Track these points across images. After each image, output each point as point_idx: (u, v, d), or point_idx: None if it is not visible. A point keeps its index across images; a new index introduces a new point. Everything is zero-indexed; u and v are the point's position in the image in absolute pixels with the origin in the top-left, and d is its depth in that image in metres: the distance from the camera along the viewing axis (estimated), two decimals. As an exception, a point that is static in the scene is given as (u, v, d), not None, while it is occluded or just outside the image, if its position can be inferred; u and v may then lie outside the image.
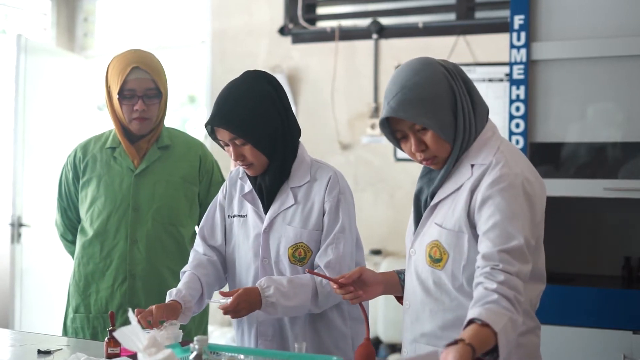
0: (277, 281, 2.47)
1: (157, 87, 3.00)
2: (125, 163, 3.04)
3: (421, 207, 2.19)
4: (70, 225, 3.18)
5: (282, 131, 2.54)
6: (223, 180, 3.16)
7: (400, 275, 2.36)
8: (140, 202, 3.01)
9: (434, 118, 2.06)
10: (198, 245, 2.72)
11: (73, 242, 3.17)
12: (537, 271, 2.09)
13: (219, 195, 2.73)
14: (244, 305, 2.44)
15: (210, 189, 3.12)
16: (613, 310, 3.31)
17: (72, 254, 3.20)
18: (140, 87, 2.97)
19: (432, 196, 2.15)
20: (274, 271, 2.57)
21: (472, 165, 2.08)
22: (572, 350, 3.34)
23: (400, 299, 2.36)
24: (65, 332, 3.11)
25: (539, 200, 2.05)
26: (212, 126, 2.51)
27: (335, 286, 2.24)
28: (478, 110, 2.12)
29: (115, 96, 2.97)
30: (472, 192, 2.04)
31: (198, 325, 3.09)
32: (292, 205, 2.56)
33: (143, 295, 2.99)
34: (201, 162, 3.11)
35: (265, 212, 2.59)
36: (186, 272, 2.66)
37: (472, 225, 2.05)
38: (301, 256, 2.54)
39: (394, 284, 2.35)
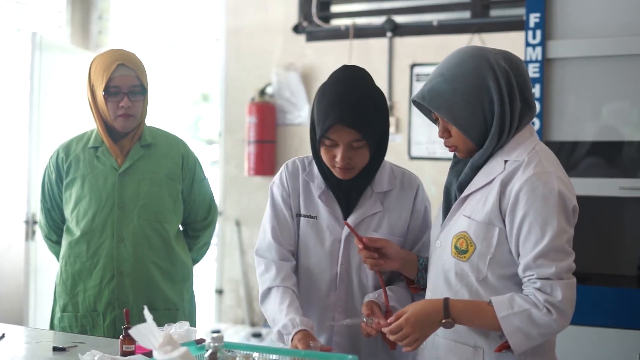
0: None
1: (141, 84, 3.03)
2: (109, 162, 3.05)
3: (451, 199, 2.20)
4: (54, 226, 3.18)
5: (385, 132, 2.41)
6: (205, 177, 3.20)
7: (419, 259, 2.37)
8: (125, 200, 3.03)
9: (460, 113, 2.08)
10: (271, 249, 2.47)
11: (57, 243, 3.18)
12: None
13: (276, 192, 2.50)
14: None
15: (194, 185, 3.15)
16: (628, 309, 3.30)
17: (56, 254, 3.21)
18: (125, 83, 2.98)
19: (461, 189, 2.16)
20: (354, 279, 2.43)
21: (506, 161, 2.09)
22: (587, 350, 3.33)
23: (410, 282, 2.38)
24: None
25: (571, 198, 2.05)
26: (333, 124, 2.27)
27: (360, 246, 2.30)
28: (524, 109, 2.11)
29: (100, 94, 2.98)
30: (504, 186, 2.05)
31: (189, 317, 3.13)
32: (378, 212, 2.43)
33: (131, 292, 3.01)
34: (184, 160, 3.13)
35: (345, 215, 2.43)
36: (280, 288, 2.40)
37: (504, 220, 2.06)
38: None
39: (411, 263, 2.36)
